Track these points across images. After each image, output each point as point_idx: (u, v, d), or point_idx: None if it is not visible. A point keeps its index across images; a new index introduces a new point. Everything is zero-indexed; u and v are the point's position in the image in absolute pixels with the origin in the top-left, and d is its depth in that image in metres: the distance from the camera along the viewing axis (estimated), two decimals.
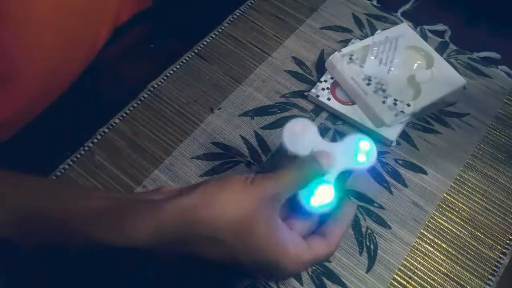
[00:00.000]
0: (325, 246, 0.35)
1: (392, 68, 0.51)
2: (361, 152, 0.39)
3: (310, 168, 0.37)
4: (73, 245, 0.33)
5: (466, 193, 0.47)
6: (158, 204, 0.33)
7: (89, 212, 0.33)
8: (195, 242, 0.32)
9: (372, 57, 0.52)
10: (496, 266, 0.43)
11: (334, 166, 0.37)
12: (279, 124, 0.50)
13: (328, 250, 0.35)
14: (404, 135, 0.50)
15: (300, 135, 0.39)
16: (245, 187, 0.34)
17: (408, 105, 0.49)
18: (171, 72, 0.53)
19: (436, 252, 0.44)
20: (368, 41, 0.53)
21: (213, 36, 0.56)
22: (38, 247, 0.33)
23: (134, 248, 0.32)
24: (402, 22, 0.58)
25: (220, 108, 0.51)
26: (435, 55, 0.53)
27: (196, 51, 0.55)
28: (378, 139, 0.49)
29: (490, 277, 0.43)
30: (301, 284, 0.42)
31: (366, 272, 0.43)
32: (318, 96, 0.51)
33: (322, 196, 0.36)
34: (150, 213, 0.32)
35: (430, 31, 0.58)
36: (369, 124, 0.49)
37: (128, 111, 0.50)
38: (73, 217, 0.33)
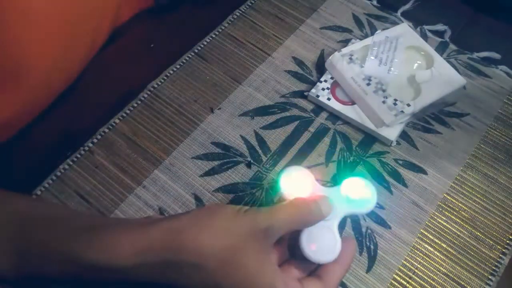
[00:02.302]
0: None
1: (392, 68, 0.51)
2: (362, 196, 0.38)
3: (309, 210, 0.35)
4: (54, 265, 0.31)
5: (466, 193, 0.47)
6: (145, 225, 0.32)
7: (71, 230, 0.32)
8: (179, 267, 0.31)
9: (372, 57, 0.52)
10: (496, 266, 0.43)
11: (335, 213, 0.36)
12: (279, 124, 0.50)
13: None
14: (404, 135, 0.50)
15: (298, 181, 0.37)
16: (236, 216, 0.32)
17: (408, 105, 0.49)
18: (171, 72, 0.53)
19: (436, 252, 0.44)
20: (368, 41, 0.53)
21: (213, 36, 0.56)
22: (18, 270, 0.32)
23: (115, 268, 0.30)
24: (402, 22, 0.58)
25: (220, 108, 0.51)
26: (435, 55, 0.53)
27: (196, 51, 0.55)
28: (378, 139, 0.50)
29: (490, 277, 0.43)
30: None
31: (366, 272, 0.43)
32: (318, 96, 0.51)
33: (325, 246, 0.35)
34: (134, 232, 0.31)
35: (430, 31, 0.58)
36: (369, 124, 0.49)
37: (128, 111, 0.50)
38: (55, 235, 0.32)
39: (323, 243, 0.35)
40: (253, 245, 0.31)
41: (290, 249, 0.37)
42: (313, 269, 0.36)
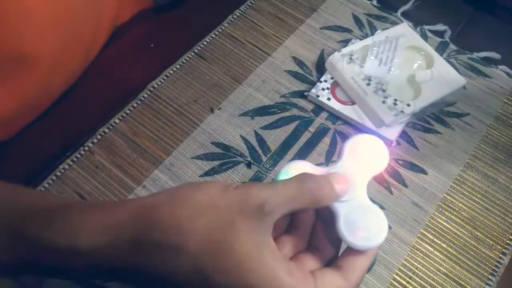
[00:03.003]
0: (342, 284, 0.27)
1: (392, 68, 0.51)
2: (373, 155, 0.33)
3: (317, 185, 0.29)
4: (17, 250, 0.28)
5: (466, 193, 0.47)
6: (114, 203, 0.27)
7: (36, 211, 0.28)
8: (152, 249, 0.25)
9: (372, 57, 0.52)
10: (496, 266, 0.43)
11: (355, 189, 0.30)
12: (279, 124, 0.50)
13: None
14: (404, 135, 0.50)
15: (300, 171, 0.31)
16: (225, 191, 0.26)
17: (408, 105, 0.49)
18: (171, 72, 0.53)
19: (436, 252, 0.44)
20: (368, 41, 0.53)
21: (213, 36, 0.56)
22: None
23: (77, 250, 0.26)
24: (402, 22, 0.58)
25: (220, 108, 0.51)
26: (435, 55, 0.53)
27: (196, 51, 0.55)
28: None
29: (490, 277, 0.43)
30: None
31: (366, 272, 0.43)
32: (318, 96, 0.51)
33: (370, 227, 0.29)
34: (101, 212, 0.27)
35: (430, 31, 0.58)
36: (369, 124, 0.49)
37: (128, 111, 0.50)
38: (17, 217, 0.28)
39: (366, 225, 0.29)
40: (245, 224, 0.26)
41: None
42: (332, 258, 0.30)
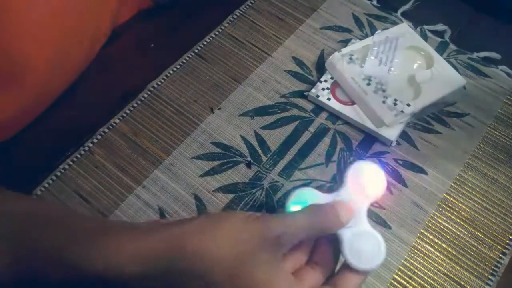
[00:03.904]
0: None
1: (392, 68, 0.51)
2: (372, 180, 0.36)
3: (325, 216, 0.32)
4: (49, 268, 0.29)
5: (466, 193, 0.47)
6: (146, 229, 0.29)
7: (71, 232, 0.30)
8: (183, 277, 0.28)
9: (372, 57, 0.52)
10: (496, 266, 0.43)
11: (357, 215, 0.33)
12: (279, 124, 0.50)
13: None
14: (404, 135, 0.50)
15: (306, 201, 0.35)
16: (246, 223, 0.29)
17: (408, 105, 0.49)
18: (171, 72, 0.53)
19: (436, 252, 0.44)
20: (368, 41, 0.53)
21: (213, 36, 0.56)
22: (12, 272, 0.30)
23: (116, 276, 0.28)
24: (402, 22, 0.58)
25: (220, 108, 0.51)
26: (435, 55, 0.53)
27: (196, 51, 0.55)
28: (378, 139, 0.50)
29: (490, 277, 0.43)
30: None
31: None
32: (318, 96, 0.51)
33: (369, 251, 0.32)
34: (134, 238, 0.29)
35: (430, 31, 0.58)
36: (369, 124, 0.49)
37: (128, 111, 0.50)
38: (53, 237, 0.30)
39: (368, 249, 0.33)
40: (264, 254, 0.29)
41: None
42: (330, 273, 0.34)
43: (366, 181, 0.35)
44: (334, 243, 0.33)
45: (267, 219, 0.30)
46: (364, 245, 0.33)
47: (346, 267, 0.32)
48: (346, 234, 0.33)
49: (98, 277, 0.29)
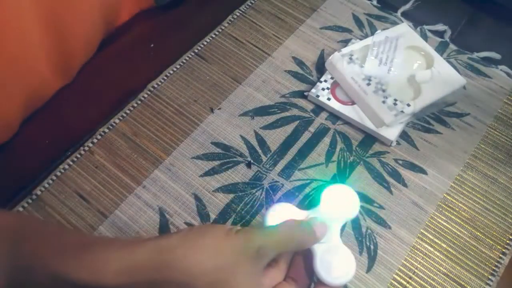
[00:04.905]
0: None
1: (392, 68, 0.51)
2: (344, 202, 0.38)
3: (303, 233, 0.34)
4: (40, 282, 0.30)
5: (466, 193, 0.47)
6: (132, 243, 0.31)
7: (60, 247, 0.31)
8: (169, 286, 0.29)
9: (372, 57, 0.52)
10: (496, 266, 0.43)
11: (331, 230, 0.36)
12: (279, 124, 0.50)
13: None
14: (404, 135, 0.50)
15: (283, 214, 0.37)
16: (227, 236, 0.31)
17: (408, 105, 0.49)
18: (171, 72, 0.53)
19: (436, 252, 0.44)
20: (368, 41, 0.53)
21: (213, 36, 0.56)
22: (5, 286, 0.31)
23: (101, 287, 0.29)
24: (402, 22, 0.58)
25: (220, 108, 0.51)
26: (435, 55, 0.53)
27: (196, 51, 0.55)
28: (378, 139, 0.50)
29: (490, 277, 0.43)
30: None
31: (366, 272, 0.43)
32: (318, 96, 0.51)
33: (340, 266, 0.34)
34: (121, 251, 0.30)
35: (430, 31, 0.58)
36: (369, 124, 0.49)
37: (128, 111, 0.50)
38: (43, 251, 0.31)
39: (338, 264, 0.35)
40: (244, 266, 0.30)
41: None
42: None
43: (340, 202, 0.38)
44: (309, 259, 0.35)
45: (247, 232, 0.31)
46: (334, 260, 0.35)
47: (321, 283, 0.34)
48: (318, 249, 0.35)
49: (86, 286, 0.29)
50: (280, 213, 0.36)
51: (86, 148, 0.48)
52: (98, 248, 0.31)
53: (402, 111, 0.48)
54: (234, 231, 0.31)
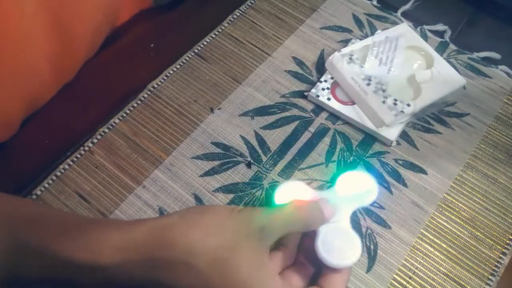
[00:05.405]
0: None
1: (392, 68, 0.51)
2: (361, 188, 0.37)
3: (308, 211, 0.33)
4: (38, 263, 0.30)
5: (466, 193, 0.47)
6: (131, 223, 0.30)
7: (55, 228, 0.30)
8: (167, 266, 0.28)
9: (372, 57, 0.52)
10: (496, 266, 0.43)
11: (340, 213, 0.34)
12: (279, 124, 0.50)
13: None
14: (404, 135, 0.50)
15: (293, 193, 0.35)
16: (230, 215, 0.30)
17: (408, 105, 0.49)
18: (171, 72, 0.53)
19: (436, 252, 0.44)
20: (368, 41, 0.53)
21: (213, 36, 0.56)
22: (4, 269, 0.30)
23: (97, 266, 0.28)
24: (402, 22, 0.58)
25: (220, 108, 0.51)
26: (435, 55, 0.53)
27: (196, 51, 0.55)
28: (378, 139, 0.50)
29: (490, 277, 0.43)
30: None
31: (366, 272, 0.43)
32: (318, 96, 0.51)
33: (344, 248, 0.33)
34: (119, 230, 0.29)
35: (430, 31, 0.58)
36: (369, 124, 0.49)
37: (128, 111, 0.50)
38: (37, 233, 0.30)
39: (341, 246, 0.33)
40: (247, 246, 0.29)
41: (308, 256, 0.34)
42: (315, 274, 0.34)
43: (357, 187, 0.37)
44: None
45: (251, 211, 0.30)
46: (338, 241, 0.33)
47: (329, 268, 0.32)
48: (323, 229, 0.33)
49: (80, 268, 0.28)
50: (288, 192, 0.35)
51: (86, 148, 0.48)
52: (95, 227, 0.30)
53: (402, 111, 0.48)
54: (237, 210, 0.30)
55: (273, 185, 0.46)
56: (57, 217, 0.33)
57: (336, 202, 0.35)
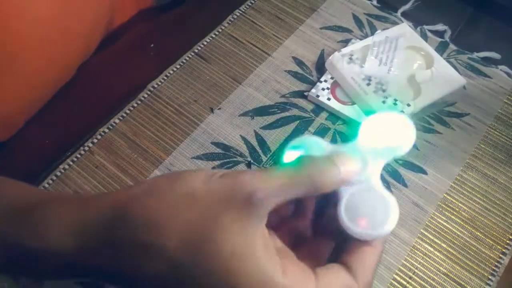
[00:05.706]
0: (350, 283, 0.24)
1: (392, 68, 0.51)
2: (393, 134, 0.28)
3: (319, 170, 0.24)
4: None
5: (466, 193, 0.47)
6: (88, 199, 0.25)
7: (7, 210, 0.26)
8: (126, 252, 0.22)
9: (372, 57, 0.52)
10: (496, 266, 0.43)
11: (366, 170, 0.26)
12: (279, 124, 0.50)
13: None
14: None
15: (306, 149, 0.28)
16: (209, 181, 0.23)
17: (408, 105, 0.49)
18: (171, 72, 0.53)
19: (436, 252, 0.44)
20: (368, 41, 0.53)
21: (213, 36, 0.56)
22: None
23: (47, 252, 0.24)
24: (402, 22, 0.58)
25: (220, 108, 0.51)
26: (435, 55, 0.53)
27: (196, 51, 0.55)
28: None
29: (490, 277, 0.43)
30: None
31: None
32: (318, 96, 0.51)
33: (376, 214, 0.25)
34: (71, 210, 0.25)
35: (430, 31, 0.58)
36: None
37: (128, 111, 0.50)
38: None
39: (371, 211, 0.25)
40: (230, 219, 0.22)
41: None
42: (338, 248, 0.27)
43: (385, 133, 0.28)
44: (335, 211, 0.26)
45: (235, 175, 0.23)
46: (367, 205, 0.25)
47: (357, 241, 0.25)
48: (346, 191, 0.26)
49: (34, 255, 0.25)
50: (302, 147, 0.27)
51: (86, 148, 0.48)
52: (48, 207, 0.26)
53: (402, 111, 0.48)
54: (219, 175, 0.23)
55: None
56: (5, 197, 0.28)
57: (360, 156, 0.27)
